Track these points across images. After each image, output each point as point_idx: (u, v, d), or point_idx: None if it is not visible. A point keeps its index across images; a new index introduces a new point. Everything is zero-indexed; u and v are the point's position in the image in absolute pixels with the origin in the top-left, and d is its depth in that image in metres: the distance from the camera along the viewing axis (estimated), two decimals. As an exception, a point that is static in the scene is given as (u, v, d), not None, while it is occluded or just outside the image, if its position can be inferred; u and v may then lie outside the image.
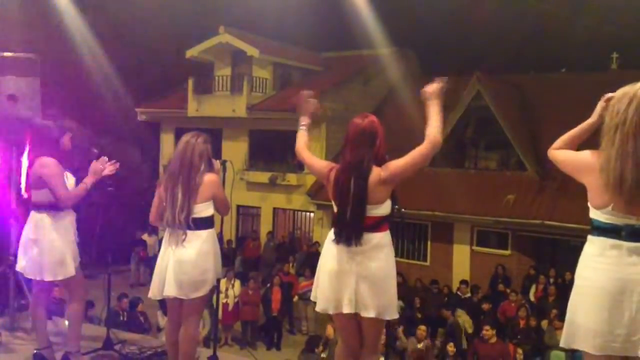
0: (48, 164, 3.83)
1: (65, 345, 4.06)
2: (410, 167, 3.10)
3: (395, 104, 16.86)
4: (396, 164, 3.09)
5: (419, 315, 11.10)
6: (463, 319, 11.10)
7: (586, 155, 2.47)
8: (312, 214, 17.63)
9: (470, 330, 10.89)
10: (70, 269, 3.92)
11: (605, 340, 2.33)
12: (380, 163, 3.11)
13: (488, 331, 9.09)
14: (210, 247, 3.56)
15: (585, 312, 2.40)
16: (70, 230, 3.96)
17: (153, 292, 3.63)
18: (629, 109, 2.30)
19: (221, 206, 3.66)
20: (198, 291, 3.52)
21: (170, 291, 3.49)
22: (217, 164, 3.74)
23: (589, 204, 2.47)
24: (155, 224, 3.71)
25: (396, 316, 3.17)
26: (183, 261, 3.47)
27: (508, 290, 12.61)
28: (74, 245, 3.98)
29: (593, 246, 2.44)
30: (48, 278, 3.89)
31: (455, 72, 17.61)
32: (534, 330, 10.19)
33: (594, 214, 2.43)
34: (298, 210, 18.13)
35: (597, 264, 2.39)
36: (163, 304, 10.79)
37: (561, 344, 2.52)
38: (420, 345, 9.45)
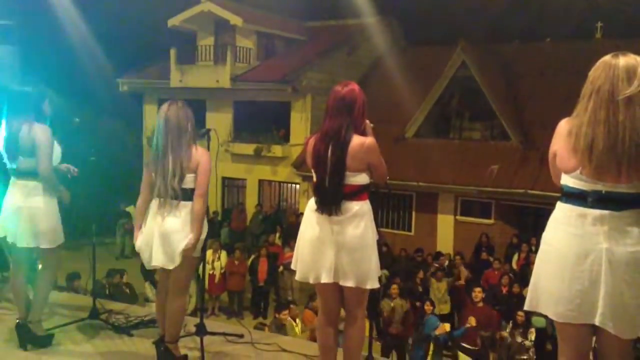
0: (43, 131, 3.78)
1: (29, 315, 3.99)
2: (377, 165, 3.11)
3: (380, 74, 16.81)
4: (376, 151, 3.08)
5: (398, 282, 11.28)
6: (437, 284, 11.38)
7: (558, 127, 2.51)
8: (297, 186, 17.65)
9: (443, 292, 11.17)
10: (62, 235, 3.94)
11: (566, 308, 2.38)
12: (360, 131, 3.10)
13: (479, 292, 9.35)
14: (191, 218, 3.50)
15: (547, 277, 2.46)
16: (56, 199, 3.94)
17: (146, 263, 3.59)
18: (605, 77, 2.33)
19: (200, 178, 3.49)
20: (185, 260, 3.49)
21: (158, 261, 3.48)
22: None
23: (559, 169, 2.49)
24: (144, 198, 3.63)
25: (377, 285, 3.15)
26: (171, 231, 3.43)
27: (491, 259, 12.81)
28: (59, 213, 3.97)
29: (560, 213, 2.48)
30: (44, 245, 3.86)
31: (439, 41, 17.60)
32: (516, 297, 10.40)
33: (564, 179, 2.47)
34: (284, 182, 18.14)
35: (561, 231, 2.43)
36: (148, 275, 10.84)
37: (525, 307, 2.57)
38: (392, 304, 9.59)
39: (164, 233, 3.45)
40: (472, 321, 8.95)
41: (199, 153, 3.51)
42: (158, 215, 3.48)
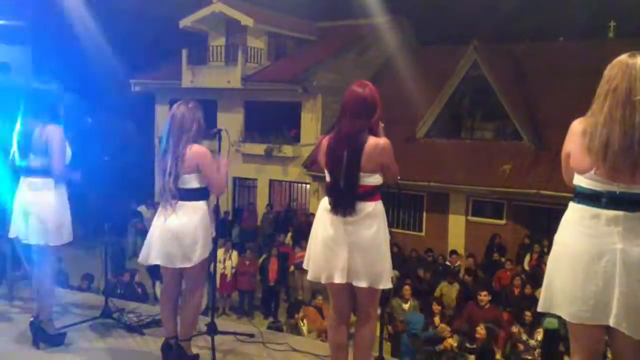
0: (56, 132, 3.80)
1: (39, 314, 3.98)
2: (390, 165, 3.10)
3: (391, 74, 16.75)
4: (390, 152, 3.07)
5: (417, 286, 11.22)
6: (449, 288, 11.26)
7: (571, 126, 2.48)
8: (308, 186, 17.65)
9: (453, 297, 11.07)
10: (70, 233, 3.95)
11: (580, 308, 2.36)
12: (375, 132, 3.09)
13: (485, 296, 9.22)
14: (198, 219, 3.50)
15: (561, 278, 2.44)
16: (66, 197, 3.96)
17: (141, 257, 3.66)
18: (622, 77, 2.30)
19: (211, 181, 3.53)
20: (186, 261, 3.49)
21: (155, 259, 3.52)
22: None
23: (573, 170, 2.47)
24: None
25: (390, 286, 3.15)
26: (170, 230, 3.46)
27: (503, 260, 12.73)
28: (69, 212, 3.99)
29: (573, 213, 2.46)
30: (52, 242, 3.86)
31: (450, 41, 17.53)
32: (528, 298, 10.32)
33: (577, 180, 2.45)
34: (294, 182, 18.16)
35: (575, 232, 2.41)
36: (153, 273, 10.87)
37: (539, 309, 2.55)
38: (405, 306, 9.55)
39: (166, 233, 3.47)
40: (480, 332, 8.64)
41: (195, 152, 3.46)
42: (162, 214, 3.52)
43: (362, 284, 3.07)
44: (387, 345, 8.74)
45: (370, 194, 3.07)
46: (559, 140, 2.68)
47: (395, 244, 12.67)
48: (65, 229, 3.93)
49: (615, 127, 2.28)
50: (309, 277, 3.24)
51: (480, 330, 8.47)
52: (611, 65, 2.38)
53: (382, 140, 3.06)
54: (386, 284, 3.12)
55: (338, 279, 3.07)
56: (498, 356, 10.11)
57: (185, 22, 18.85)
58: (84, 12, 15.83)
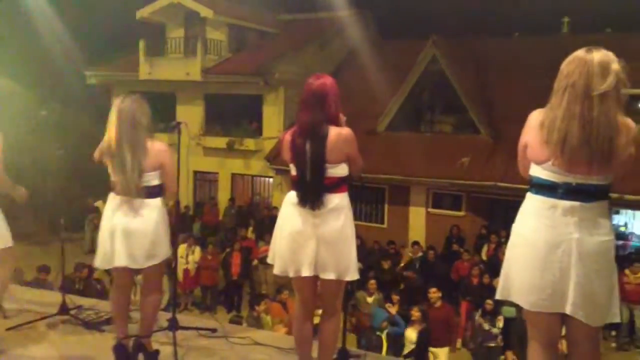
0: None
1: None
2: (354, 156, 3.12)
3: (354, 67, 16.82)
4: (354, 142, 3.09)
5: (387, 277, 11.37)
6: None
7: (529, 118, 2.53)
8: (271, 180, 17.58)
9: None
10: (9, 238, 3.78)
11: (538, 297, 2.43)
12: (335, 123, 3.09)
13: (434, 294, 9.06)
14: (160, 216, 3.48)
15: (519, 267, 2.50)
16: None
17: (100, 262, 3.52)
18: (579, 73, 2.34)
19: (171, 179, 3.53)
20: (152, 259, 3.45)
21: (121, 261, 3.41)
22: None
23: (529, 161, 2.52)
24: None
25: (357, 277, 3.18)
26: (134, 230, 3.38)
27: (462, 250, 12.98)
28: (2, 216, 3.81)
29: (530, 204, 2.51)
30: None
31: (413, 35, 17.69)
32: (486, 288, 10.55)
33: (534, 170, 2.50)
34: (257, 176, 18.06)
35: (532, 221, 2.47)
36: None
37: (497, 296, 2.62)
38: (370, 299, 9.62)
39: (129, 232, 3.39)
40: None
41: (158, 150, 3.43)
42: (118, 214, 3.41)
43: (330, 276, 3.09)
44: (351, 337, 8.83)
45: (336, 185, 3.08)
46: (515, 133, 2.74)
47: (358, 236, 12.72)
48: (4, 234, 3.74)
49: (574, 122, 2.33)
50: (275, 271, 3.22)
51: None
52: (568, 61, 2.42)
53: (345, 130, 3.08)
54: (353, 276, 3.14)
55: (306, 272, 3.08)
56: (458, 345, 10.36)
57: (142, 13, 18.42)
58: (40, 2, 15.36)
